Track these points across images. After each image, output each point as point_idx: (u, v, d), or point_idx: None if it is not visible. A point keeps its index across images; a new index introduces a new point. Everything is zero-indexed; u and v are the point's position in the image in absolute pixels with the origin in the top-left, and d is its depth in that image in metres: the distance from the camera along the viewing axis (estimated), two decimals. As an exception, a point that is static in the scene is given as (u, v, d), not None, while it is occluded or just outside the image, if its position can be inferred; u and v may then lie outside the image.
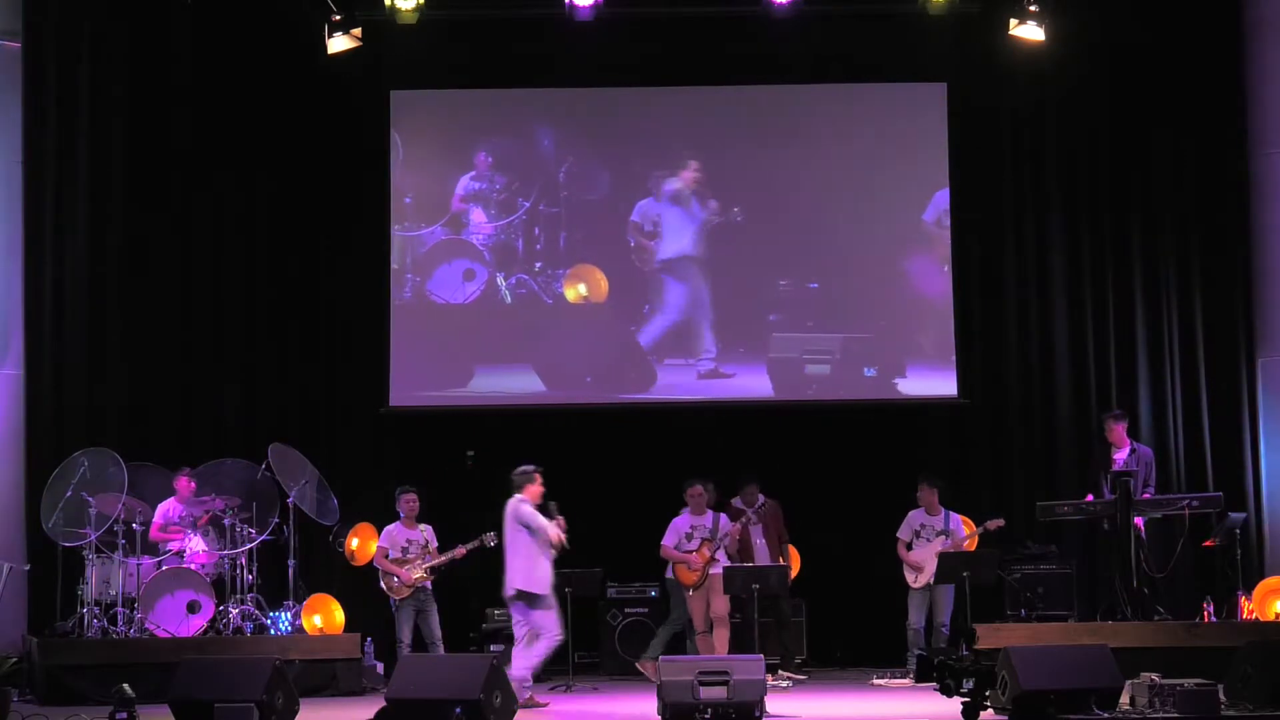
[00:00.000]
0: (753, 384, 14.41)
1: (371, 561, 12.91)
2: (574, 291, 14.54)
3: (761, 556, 13.13)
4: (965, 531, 13.09)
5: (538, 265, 14.56)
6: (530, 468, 11.51)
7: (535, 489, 11.45)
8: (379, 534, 13.06)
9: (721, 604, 12.70)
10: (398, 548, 12.72)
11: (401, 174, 14.60)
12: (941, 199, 14.50)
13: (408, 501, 12.87)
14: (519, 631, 11.41)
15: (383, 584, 12.71)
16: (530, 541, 11.28)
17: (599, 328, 14.55)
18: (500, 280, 14.52)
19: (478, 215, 14.57)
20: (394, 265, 14.49)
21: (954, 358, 14.41)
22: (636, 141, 14.75)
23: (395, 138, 14.58)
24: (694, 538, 12.86)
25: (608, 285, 14.55)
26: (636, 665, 12.91)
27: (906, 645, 12.95)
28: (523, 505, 11.36)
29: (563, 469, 13.75)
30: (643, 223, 14.57)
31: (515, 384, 14.41)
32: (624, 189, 14.62)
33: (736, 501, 13.28)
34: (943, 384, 14.41)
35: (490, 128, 14.70)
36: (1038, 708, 9.59)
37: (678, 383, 14.43)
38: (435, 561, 12.71)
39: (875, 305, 14.57)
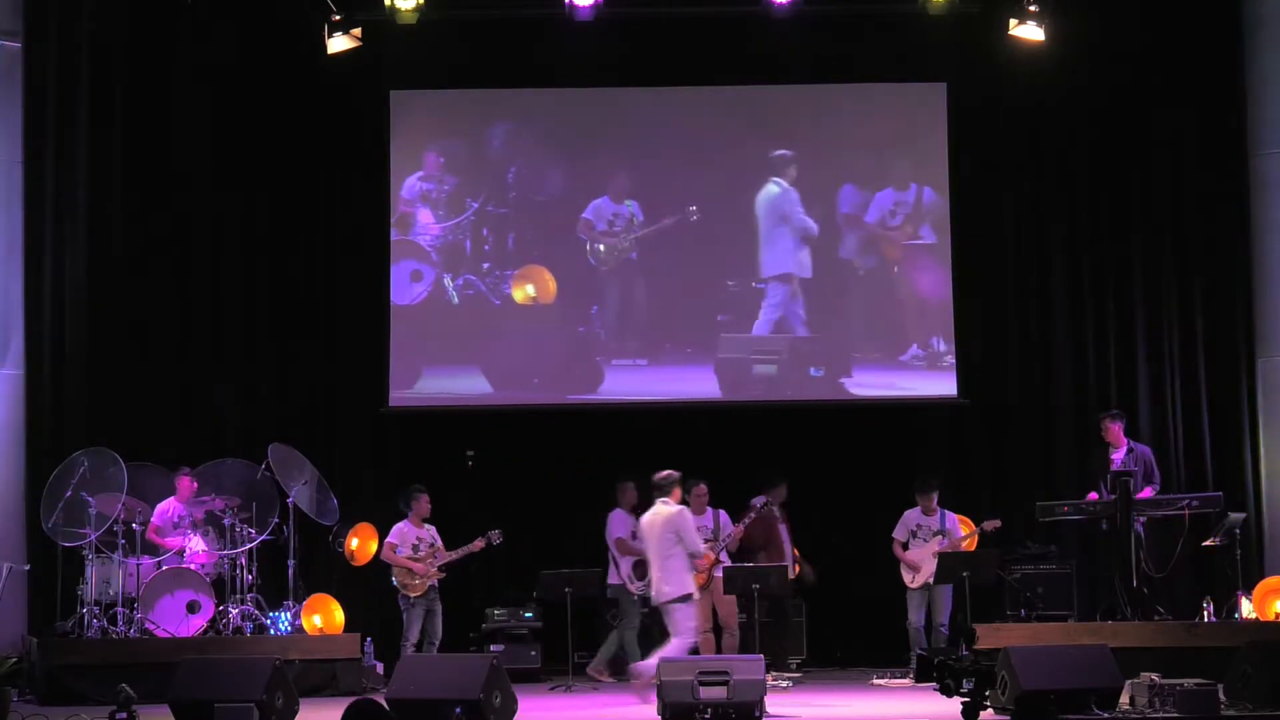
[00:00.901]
0: (701, 385, 14.36)
1: (379, 559, 12.88)
2: (521, 292, 14.51)
3: (789, 554, 13.22)
4: (963, 531, 13.09)
5: (485, 265, 14.51)
6: (676, 473, 11.55)
7: (680, 493, 11.56)
8: (378, 534, 13.05)
9: (730, 610, 12.72)
10: (408, 545, 12.72)
11: (408, 174, 14.58)
12: (942, 199, 14.50)
13: (426, 502, 12.86)
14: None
15: (396, 581, 12.68)
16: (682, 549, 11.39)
17: (547, 328, 14.48)
18: (447, 280, 14.48)
19: (425, 216, 14.52)
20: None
21: (954, 358, 14.40)
22: (617, 142, 14.74)
23: (398, 138, 14.56)
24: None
25: (555, 285, 14.52)
26: (588, 670, 12.88)
27: (907, 645, 12.95)
28: (685, 516, 11.44)
29: (561, 469, 13.81)
30: (595, 220, 14.53)
31: (461, 385, 14.36)
32: (578, 188, 14.57)
33: (760, 500, 13.27)
34: (943, 384, 14.41)
35: (445, 129, 14.68)
36: (1038, 708, 9.59)
37: (627, 384, 14.37)
38: (449, 558, 12.72)
39: (877, 304, 14.57)
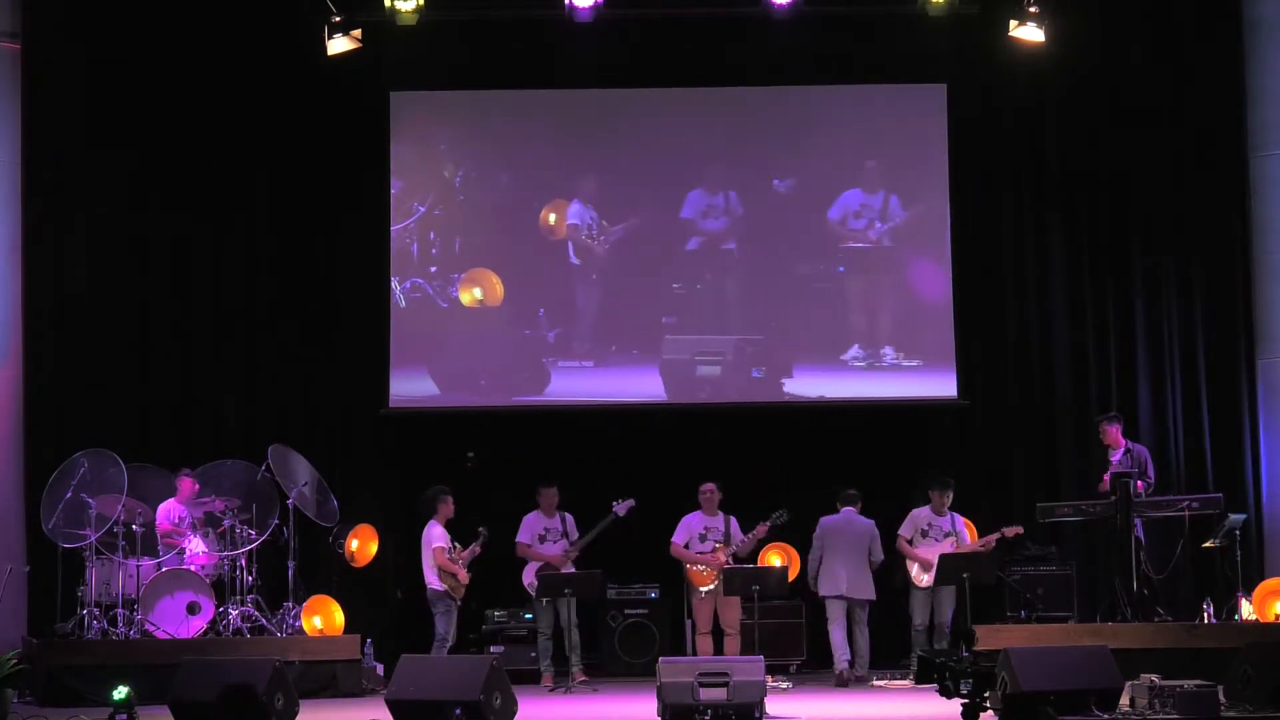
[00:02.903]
0: (647, 386, 14.33)
1: (380, 560, 12.90)
2: (468, 295, 14.49)
3: None
4: (970, 538, 13.01)
5: (433, 269, 14.47)
6: (855, 491, 13.01)
7: (861, 504, 13.01)
8: (378, 535, 13.02)
9: (733, 613, 12.72)
10: (446, 549, 12.73)
11: (410, 174, 14.56)
12: (941, 199, 14.49)
13: (451, 504, 12.84)
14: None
15: (442, 584, 12.62)
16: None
17: (494, 331, 14.46)
18: (394, 284, 14.43)
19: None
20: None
21: (954, 358, 14.39)
22: (605, 142, 14.69)
23: (397, 139, 14.55)
24: (707, 539, 12.85)
25: (503, 288, 14.49)
26: (545, 682, 12.84)
27: (907, 646, 12.90)
28: (874, 529, 12.82)
29: (558, 471, 13.78)
30: (580, 225, 14.51)
31: (407, 387, 14.29)
32: (537, 190, 14.55)
33: (780, 514, 13.28)
34: (943, 384, 14.40)
35: (439, 129, 14.67)
36: (1038, 709, 9.58)
37: (573, 386, 14.36)
38: (468, 557, 12.73)
39: (873, 304, 14.55)
